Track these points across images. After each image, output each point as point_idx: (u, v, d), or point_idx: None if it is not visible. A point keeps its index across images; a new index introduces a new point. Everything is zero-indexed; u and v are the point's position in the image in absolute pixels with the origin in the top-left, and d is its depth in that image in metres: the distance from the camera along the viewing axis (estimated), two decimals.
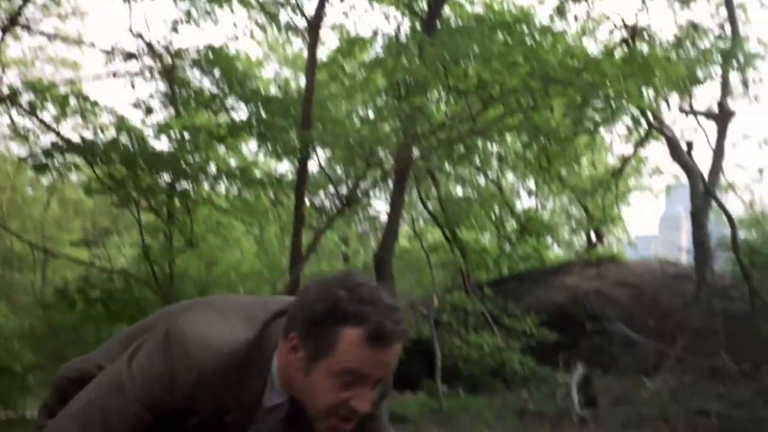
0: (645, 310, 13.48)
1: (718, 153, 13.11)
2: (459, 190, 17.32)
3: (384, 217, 16.85)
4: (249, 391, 1.75)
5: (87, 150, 9.78)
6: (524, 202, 19.04)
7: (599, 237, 18.80)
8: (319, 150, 12.46)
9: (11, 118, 11.28)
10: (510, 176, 18.31)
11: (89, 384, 1.78)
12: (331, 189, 11.17)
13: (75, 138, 10.43)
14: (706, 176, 12.86)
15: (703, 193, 12.33)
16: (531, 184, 18.46)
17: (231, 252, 17.20)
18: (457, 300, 12.94)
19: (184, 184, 11.30)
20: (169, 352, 1.69)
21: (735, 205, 16.83)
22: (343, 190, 10.49)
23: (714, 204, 12.94)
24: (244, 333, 1.73)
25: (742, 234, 17.27)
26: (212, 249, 16.12)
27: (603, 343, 11.32)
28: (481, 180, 17.57)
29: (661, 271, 15.26)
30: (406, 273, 17.18)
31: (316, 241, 8.38)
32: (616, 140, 17.43)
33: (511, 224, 16.59)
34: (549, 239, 17.15)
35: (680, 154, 13.06)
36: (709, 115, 13.47)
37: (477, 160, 15.36)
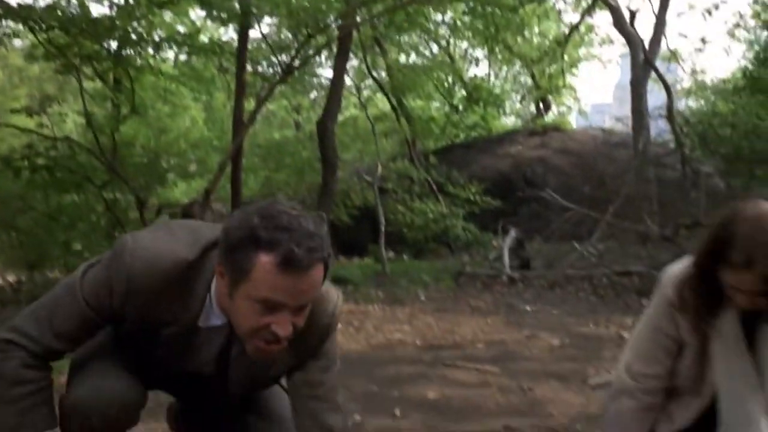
0: (584, 178, 13.90)
1: (660, 23, 13.21)
2: (410, 59, 17.27)
3: None
4: (185, 308, 1.85)
5: (25, 15, 9.58)
6: (475, 71, 19.12)
7: (546, 106, 19.03)
8: (267, 18, 12.33)
9: None
10: (463, 45, 18.26)
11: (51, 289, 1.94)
12: (275, 57, 11.10)
13: (13, 2, 10.18)
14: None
15: (643, 62, 12.51)
16: (481, 53, 18.48)
17: (180, 120, 17.13)
18: (401, 168, 13.15)
19: (130, 51, 11.16)
20: (111, 261, 1.82)
21: (679, 75, 17.16)
22: (288, 58, 10.45)
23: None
24: (185, 253, 1.83)
25: (685, 103, 17.66)
26: (161, 117, 16.06)
27: (540, 209, 11.73)
28: (434, 49, 17.53)
29: (603, 140, 15.61)
30: (354, 142, 17.33)
31: (257, 109, 8.44)
32: (564, 9, 17.37)
33: (459, 93, 16.66)
34: (497, 108, 17.26)
35: (623, 24, 13.15)
36: None
37: (426, 29, 15.26)
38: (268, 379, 2.10)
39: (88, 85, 12.30)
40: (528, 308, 7.02)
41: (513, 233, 8.87)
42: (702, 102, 17.65)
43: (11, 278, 11.47)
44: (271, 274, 1.68)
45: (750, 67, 8.36)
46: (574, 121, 23.72)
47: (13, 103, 17.87)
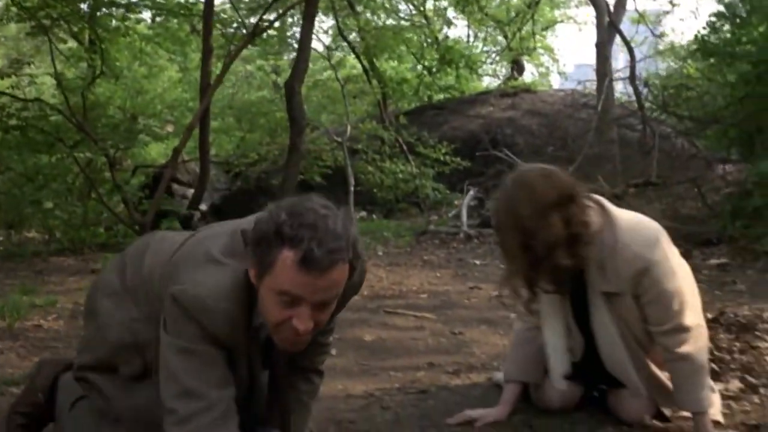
0: (551, 138, 14.18)
1: None
2: (383, 20, 17.36)
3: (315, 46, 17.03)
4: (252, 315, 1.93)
5: None
6: (450, 33, 19.25)
7: (519, 68, 19.25)
8: None
9: None
10: (442, 3, 18.29)
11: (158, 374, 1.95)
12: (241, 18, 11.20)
13: None
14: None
15: (608, 25, 12.75)
16: (456, 14, 18.59)
17: (157, 81, 17.24)
18: (370, 129, 13.39)
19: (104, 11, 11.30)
20: (198, 319, 1.85)
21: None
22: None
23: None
24: (236, 271, 1.89)
25: (656, 66, 17.92)
26: (138, 78, 16.17)
27: (504, 169, 12.00)
28: (410, 9, 17.62)
29: (572, 100, 15.86)
30: (334, 104, 17.53)
31: (224, 71, 8.65)
32: None
33: (432, 55, 16.82)
34: (470, 70, 17.44)
35: None
36: None
37: None
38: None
39: (64, 46, 12.43)
40: (477, 263, 7.36)
41: (472, 192, 9.19)
42: (673, 65, 17.94)
43: None
44: (292, 269, 1.76)
45: (702, 31, 8.69)
46: (556, 83, 23.97)
47: None
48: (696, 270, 6.59)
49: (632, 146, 12.43)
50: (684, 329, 2.66)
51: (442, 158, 13.55)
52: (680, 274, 2.75)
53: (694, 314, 2.71)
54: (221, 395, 1.89)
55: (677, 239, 8.16)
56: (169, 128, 16.51)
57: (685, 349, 2.66)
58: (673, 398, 2.80)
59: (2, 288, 5.90)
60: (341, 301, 2.02)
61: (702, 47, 8.74)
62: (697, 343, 2.69)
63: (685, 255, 7.32)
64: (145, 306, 2.10)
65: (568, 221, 2.55)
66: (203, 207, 12.12)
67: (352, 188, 11.76)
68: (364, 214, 13.48)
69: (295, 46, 15.36)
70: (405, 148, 13.61)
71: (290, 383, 2.22)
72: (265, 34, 11.03)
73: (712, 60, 9.10)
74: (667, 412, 2.96)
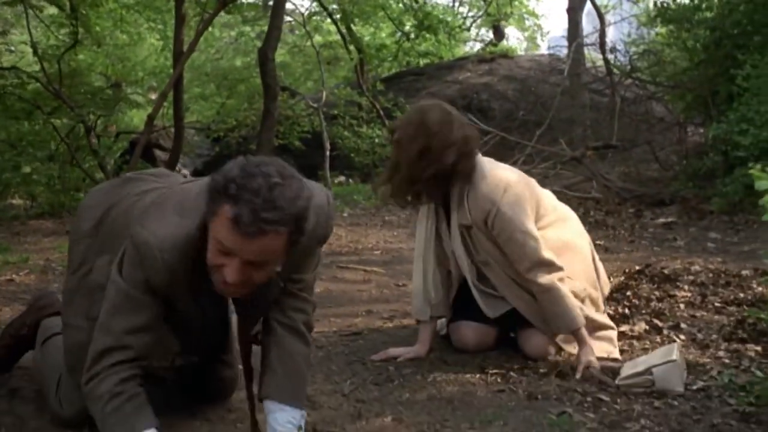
0: (526, 103, 14.41)
1: None
2: None
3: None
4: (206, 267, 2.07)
5: None
6: None
7: (499, 33, 19.43)
8: None
9: None
10: None
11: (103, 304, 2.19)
12: None
13: None
14: None
15: None
16: None
17: (138, 49, 17.38)
18: (346, 95, 13.62)
19: None
20: (143, 263, 2.07)
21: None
22: None
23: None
24: (194, 224, 2.05)
25: (636, 31, 18.09)
26: (122, 45, 16.31)
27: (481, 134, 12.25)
28: None
29: (549, 66, 16.08)
30: (310, 70, 17.68)
31: (197, 38, 8.86)
32: None
33: (410, 21, 16.95)
34: (448, 36, 17.56)
35: None
36: None
37: None
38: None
39: (46, 13, 12.54)
40: None
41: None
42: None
43: None
44: (225, 225, 1.89)
45: None
46: (544, 48, 24.11)
47: None
48: (643, 228, 7.01)
49: (603, 111, 12.71)
50: (541, 264, 3.10)
51: None
52: (549, 221, 3.30)
53: (549, 253, 3.14)
54: (138, 341, 2.13)
55: (631, 200, 8.48)
56: (153, 95, 16.70)
57: (545, 281, 3.10)
58: (549, 327, 3.20)
59: None
60: (300, 259, 2.25)
61: (662, 14, 8.98)
62: (557, 274, 3.13)
63: (636, 215, 7.69)
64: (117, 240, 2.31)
65: (465, 138, 3.08)
66: (185, 172, 12.36)
67: (327, 153, 12.01)
68: (342, 179, 13.75)
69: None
70: (381, 113, 13.84)
71: (275, 341, 2.35)
72: (238, 1, 11.20)
73: (671, 26, 9.34)
74: (569, 348, 3.30)
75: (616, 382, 2.90)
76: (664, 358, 2.87)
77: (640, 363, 2.96)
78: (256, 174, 1.89)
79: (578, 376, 2.99)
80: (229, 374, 2.72)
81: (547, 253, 3.10)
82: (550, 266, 3.10)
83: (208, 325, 2.40)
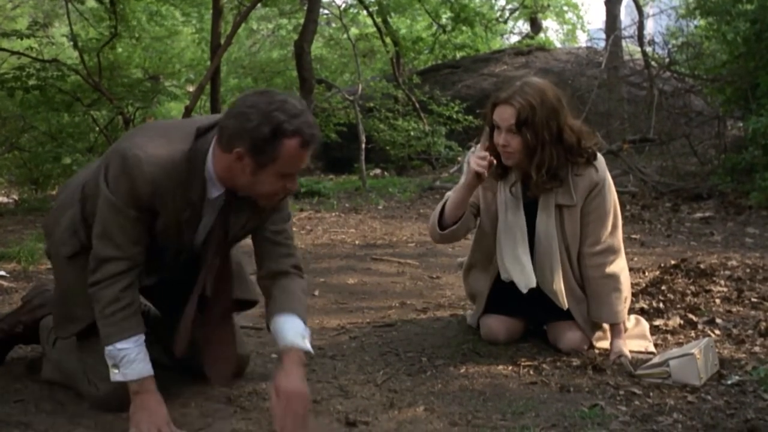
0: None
1: None
2: None
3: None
4: (194, 189, 2.37)
5: None
6: None
7: (536, 25, 19.30)
8: None
9: None
10: None
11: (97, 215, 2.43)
12: None
13: None
14: None
15: None
16: None
17: (175, 42, 17.57)
18: (382, 87, 13.63)
19: None
20: (129, 173, 2.29)
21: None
22: None
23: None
24: (181, 147, 2.34)
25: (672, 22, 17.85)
26: (161, 38, 16.51)
27: None
28: None
29: (586, 58, 15.94)
30: (347, 62, 17.72)
31: (234, 31, 8.94)
32: None
33: (446, 13, 16.91)
34: (484, 28, 17.50)
35: None
36: None
37: None
38: (253, 229, 2.62)
39: (85, 7, 12.73)
40: None
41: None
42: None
43: (15, 196, 12.15)
44: (296, 153, 2.25)
45: None
46: (583, 40, 23.85)
47: (14, 25, 18.25)
48: (680, 223, 6.94)
49: (640, 104, 12.57)
50: (614, 250, 3.19)
51: (454, 116, 13.78)
52: (617, 203, 3.28)
53: (621, 241, 3.24)
54: (134, 250, 2.40)
55: (668, 194, 8.40)
56: (190, 88, 16.86)
57: (612, 269, 3.17)
58: (591, 313, 3.23)
59: (21, 237, 6.31)
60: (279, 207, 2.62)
61: (701, 6, 8.87)
62: (622, 264, 3.22)
63: (673, 209, 7.62)
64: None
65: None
66: None
67: (363, 145, 12.04)
68: (378, 171, 13.78)
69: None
70: (417, 106, 13.85)
71: (273, 284, 2.59)
72: None
73: (710, 18, 9.22)
74: (602, 344, 3.30)
75: (635, 372, 2.93)
76: (685, 351, 2.88)
77: (666, 355, 2.97)
78: (286, 106, 2.24)
79: (611, 360, 3.07)
80: (243, 351, 2.88)
81: (621, 243, 3.24)
82: (621, 256, 3.23)
83: (180, 260, 2.61)
